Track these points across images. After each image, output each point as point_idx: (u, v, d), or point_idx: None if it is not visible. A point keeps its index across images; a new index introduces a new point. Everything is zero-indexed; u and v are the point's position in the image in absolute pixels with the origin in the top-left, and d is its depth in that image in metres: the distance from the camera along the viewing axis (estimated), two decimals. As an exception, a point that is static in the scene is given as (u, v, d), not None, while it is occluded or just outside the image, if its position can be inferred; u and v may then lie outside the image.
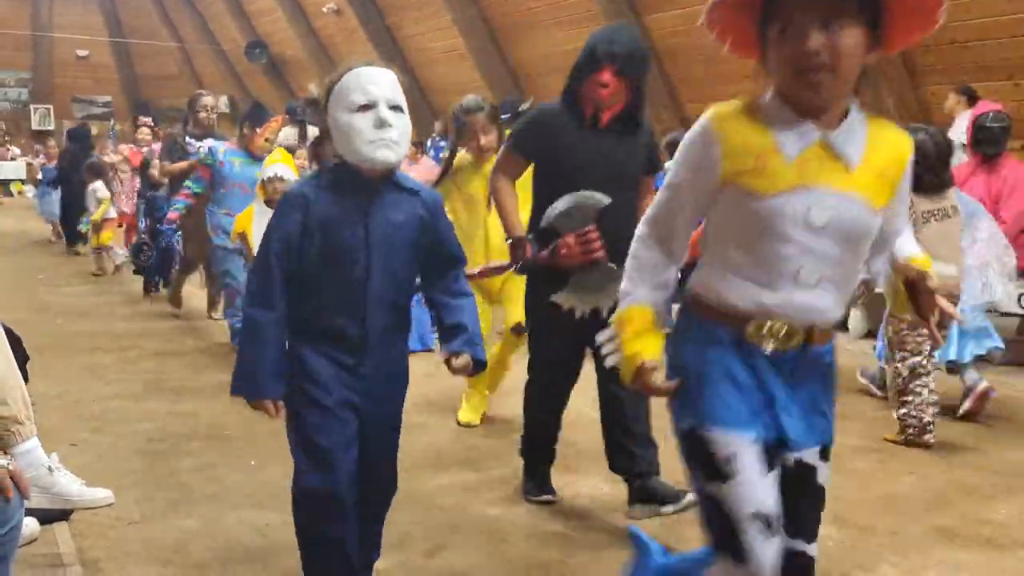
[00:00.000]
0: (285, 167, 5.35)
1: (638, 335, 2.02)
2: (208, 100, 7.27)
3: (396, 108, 2.42)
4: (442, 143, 13.94)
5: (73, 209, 11.47)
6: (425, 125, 14.94)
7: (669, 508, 3.34)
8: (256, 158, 6.09)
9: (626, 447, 3.48)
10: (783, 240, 1.88)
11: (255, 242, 5.00)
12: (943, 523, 3.59)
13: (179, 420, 4.74)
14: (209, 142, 6.63)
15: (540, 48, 12.54)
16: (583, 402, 3.91)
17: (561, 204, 3.28)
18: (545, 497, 3.69)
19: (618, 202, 3.30)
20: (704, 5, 1.88)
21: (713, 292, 1.99)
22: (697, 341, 2.01)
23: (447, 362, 2.59)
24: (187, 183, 6.33)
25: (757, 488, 1.90)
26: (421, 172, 9.49)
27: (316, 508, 2.53)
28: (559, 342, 3.50)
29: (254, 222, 5.30)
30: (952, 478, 4.11)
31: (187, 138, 7.13)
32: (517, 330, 4.56)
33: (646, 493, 3.41)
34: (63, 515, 3.32)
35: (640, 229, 2.08)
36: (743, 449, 1.91)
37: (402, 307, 2.60)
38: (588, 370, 3.54)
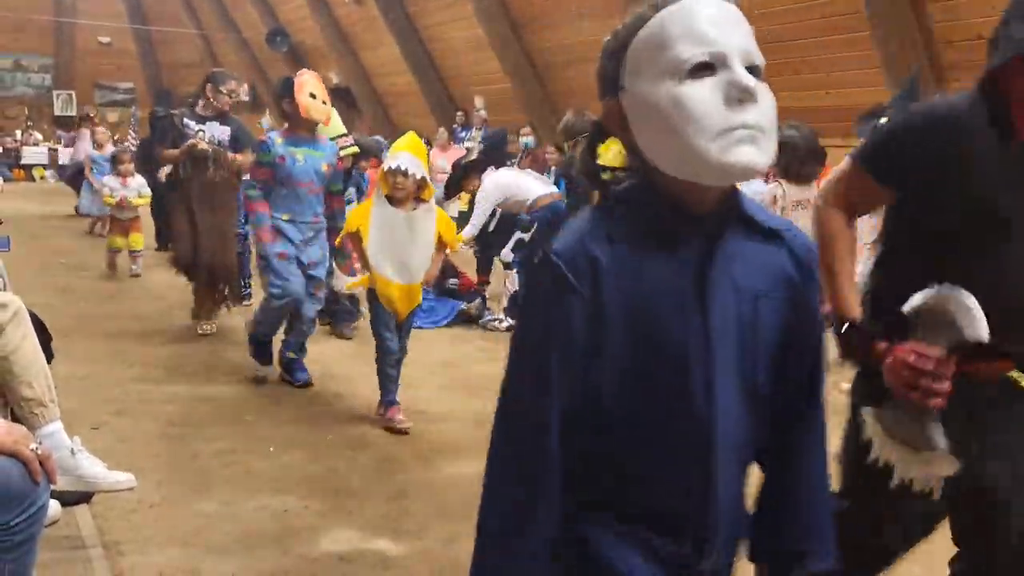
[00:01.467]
0: (412, 158, 4.30)
1: None
2: (234, 85, 6.38)
3: (755, 70, 1.29)
4: (463, 133, 13.97)
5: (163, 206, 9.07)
6: (446, 115, 14.99)
7: None
8: (315, 140, 5.07)
9: None
10: None
11: (370, 246, 4.39)
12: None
13: (200, 405, 4.78)
14: (213, 127, 6.12)
15: (561, 38, 12.50)
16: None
17: (926, 295, 1.86)
18: None
19: None
20: None
21: None
22: None
23: None
24: (248, 191, 5.09)
25: None
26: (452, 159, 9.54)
27: None
28: (886, 517, 2.10)
29: (372, 222, 4.39)
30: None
31: (184, 119, 6.16)
32: None
33: None
34: (85, 497, 3.36)
35: None
36: None
37: (754, 447, 1.45)
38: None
